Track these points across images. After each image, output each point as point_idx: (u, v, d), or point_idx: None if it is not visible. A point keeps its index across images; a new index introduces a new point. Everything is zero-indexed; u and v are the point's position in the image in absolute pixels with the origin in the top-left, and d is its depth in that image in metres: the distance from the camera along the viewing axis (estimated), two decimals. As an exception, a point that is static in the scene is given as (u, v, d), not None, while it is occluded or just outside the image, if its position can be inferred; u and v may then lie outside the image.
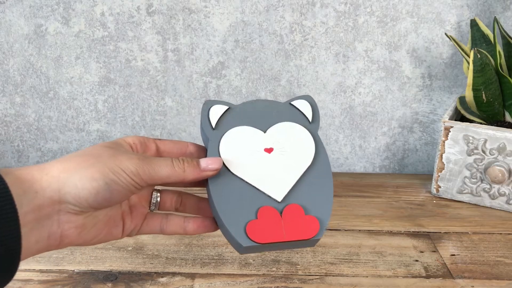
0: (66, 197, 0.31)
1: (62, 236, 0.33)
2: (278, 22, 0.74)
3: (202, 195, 0.43)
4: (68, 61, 0.77)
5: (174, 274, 0.52)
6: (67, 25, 0.75)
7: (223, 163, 0.39)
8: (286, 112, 0.43)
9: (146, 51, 0.76)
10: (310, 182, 0.39)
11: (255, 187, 0.38)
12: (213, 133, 0.40)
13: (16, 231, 0.28)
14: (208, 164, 0.37)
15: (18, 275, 0.52)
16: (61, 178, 0.32)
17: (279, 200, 0.38)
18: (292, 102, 0.43)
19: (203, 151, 0.42)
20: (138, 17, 0.74)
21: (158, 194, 0.41)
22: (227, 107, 0.42)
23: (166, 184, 0.38)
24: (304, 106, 0.43)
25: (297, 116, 0.43)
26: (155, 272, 0.53)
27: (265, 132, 0.41)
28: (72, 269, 0.53)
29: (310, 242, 0.37)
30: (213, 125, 0.41)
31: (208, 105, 0.42)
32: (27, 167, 0.32)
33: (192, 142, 0.42)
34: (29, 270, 0.53)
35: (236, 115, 0.42)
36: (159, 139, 0.40)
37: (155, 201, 0.41)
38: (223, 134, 0.40)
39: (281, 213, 0.37)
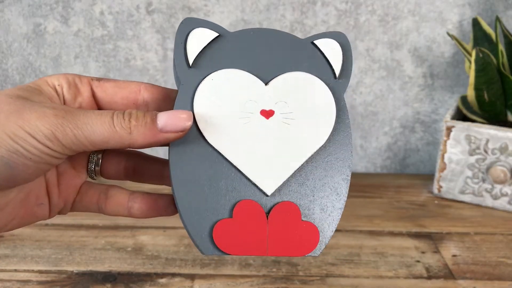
0: None
1: None
2: (278, 21, 0.74)
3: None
4: (67, 60, 0.77)
5: (173, 275, 0.52)
6: (66, 24, 0.75)
7: (196, 124, 0.26)
8: (304, 55, 0.29)
9: (145, 50, 0.76)
10: (318, 170, 0.27)
11: (237, 169, 0.26)
12: (188, 73, 0.27)
13: None
14: (169, 122, 0.24)
15: (17, 275, 0.51)
16: None
17: (269, 193, 0.26)
18: (315, 41, 0.30)
19: (165, 100, 0.28)
20: (138, 16, 0.74)
21: (99, 156, 0.29)
22: (216, 34, 0.28)
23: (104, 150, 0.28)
24: (331, 50, 0.29)
25: (319, 65, 0.29)
26: (155, 273, 0.52)
27: (266, 83, 0.28)
28: (71, 269, 0.52)
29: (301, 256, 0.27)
30: (190, 61, 0.27)
31: (187, 26, 0.27)
32: None
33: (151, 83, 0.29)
34: (27, 271, 0.52)
35: (227, 50, 0.28)
36: (98, 79, 0.27)
37: (93, 166, 0.29)
38: (204, 78, 0.27)
39: (268, 213, 0.26)
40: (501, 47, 0.65)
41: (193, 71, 0.27)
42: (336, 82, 0.29)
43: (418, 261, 0.55)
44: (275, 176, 0.26)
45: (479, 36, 0.67)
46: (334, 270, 0.53)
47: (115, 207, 0.29)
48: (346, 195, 0.28)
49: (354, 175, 0.79)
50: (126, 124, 0.24)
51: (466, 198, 0.68)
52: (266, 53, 0.28)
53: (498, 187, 0.65)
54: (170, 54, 0.76)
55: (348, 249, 0.57)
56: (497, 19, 0.65)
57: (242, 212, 0.26)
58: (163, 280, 0.51)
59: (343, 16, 0.73)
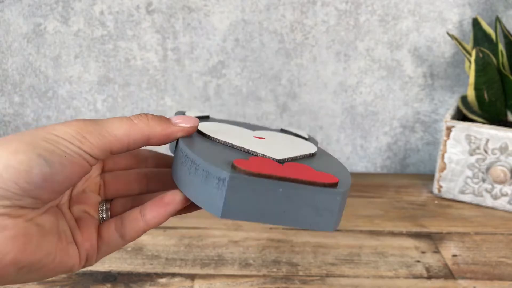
0: None
1: None
2: (278, 21, 0.74)
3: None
4: (67, 60, 0.77)
5: (173, 275, 0.52)
6: (66, 24, 0.75)
7: (201, 132, 0.31)
8: (276, 131, 0.37)
9: (145, 50, 0.76)
10: (316, 161, 0.31)
11: (247, 150, 0.30)
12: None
13: None
14: (180, 119, 0.29)
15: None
16: None
17: (279, 158, 0.29)
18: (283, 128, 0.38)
19: (163, 161, 0.34)
20: (138, 16, 0.74)
21: (108, 206, 0.32)
22: (206, 115, 0.36)
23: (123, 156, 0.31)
24: (298, 131, 0.37)
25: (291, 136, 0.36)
26: (155, 273, 0.52)
27: (254, 131, 0.35)
28: (71, 270, 0.52)
29: (327, 199, 0.26)
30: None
31: (181, 112, 0.35)
32: None
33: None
34: (27, 271, 0.52)
35: (216, 120, 0.35)
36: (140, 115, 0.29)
37: (103, 214, 0.31)
38: (200, 122, 0.33)
39: (282, 164, 0.28)
40: (501, 47, 0.65)
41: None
42: (307, 141, 0.36)
43: (418, 261, 0.55)
44: (281, 153, 0.30)
45: (479, 36, 0.67)
46: (334, 270, 0.53)
47: (133, 226, 0.29)
48: (350, 182, 0.29)
49: (354, 175, 0.79)
50: (143, 117, 0.27)
51: (466, 198, 0.68)
52: (247, 125, 0.36)
53: (498, 187, 0.65)
54: (170, 54, 0.76)
55: (348, 249, 0.57)
56: (497, 19, 0.65)
57: (256, 160, 0.27)
58: (163, 280, 0.51)
59: (343, 16, 0.73)
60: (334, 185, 0.26)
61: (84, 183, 0.31)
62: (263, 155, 0.29)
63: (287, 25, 0.74)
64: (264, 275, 0.52)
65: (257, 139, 0.32)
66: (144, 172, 0.34)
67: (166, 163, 0.35)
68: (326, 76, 0.77)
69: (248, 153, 0.29)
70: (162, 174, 0.34)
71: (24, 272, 0.23)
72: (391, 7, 0.73)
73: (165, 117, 0.28)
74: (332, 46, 0.75)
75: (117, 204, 0.32)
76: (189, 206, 0.30)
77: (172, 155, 0.32)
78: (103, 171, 0.33)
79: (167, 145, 0.32)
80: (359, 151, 0.82)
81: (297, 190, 0.25)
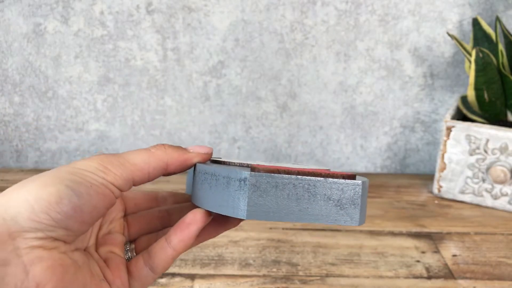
0: (17, 221, 0.22)
1: (38, 284, 0.23)
2: (278, 21, 0.74)
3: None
4: (67, 60, 0.77)
5: (173, 275, 0.52)
6: (66, 24, 0.75)
7: (215, 160, 0.32)
8: None
9: (145, 50, 0.76)
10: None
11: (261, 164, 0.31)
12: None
13: None
14: (196, 147, 0.30)
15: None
16: (1, 202, 0.23)
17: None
18: None
19: (183, 198, 0.35)
20: (138, 16, 0.74)
21: (133, 247, 0.32)
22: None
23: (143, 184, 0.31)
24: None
25: None
26: (155, 273, 0.52)
27: None
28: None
29: (350, 192, 0.25)
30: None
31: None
32: None
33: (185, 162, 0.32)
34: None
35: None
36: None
37: (129, 254, 0.32)
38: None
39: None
40: (501, 47, 0.65)
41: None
42: None
43: (418, 261, 0.55)
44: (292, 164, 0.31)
45: (479, 36, 0.67)
46: (334, 270, 0.53)
47: (161, 255, 0.30)
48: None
49: (354, 175, 0.79)
50: (161, 146, 0.28)
51: (466, 198, 0.68)
52: None
53: (498, 187, 0.65)
54: (170, 54, 0.76)
55: (348, 249, 0.57)
56: (497, 19, 0.65)
57: (273, 165, 0.28)
58: (163, 280, 0.51)
59: (343, 16, 0.73)
60: (352, 176, 0.26)
61: (108, 225, 0.32)
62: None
63: (287, 25, 0.74)
64: (264, 275, 0.52)
65: None
66: (166, 209, 0.34)
67: (186, 199, 0.36)
68: (326, 76, 0.77)
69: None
70: (183, 208, 0.34)
71: None
72: (391, 7, 0.73)
73: (182, 147, 0.30)
74: (332, 46, 0.75)
75: (141, 241, 0.33)
76: (215, 228, 0.31)
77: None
78: (125, 214, 0.34)
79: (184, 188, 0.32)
80: (359, 151, 0.82)
81: (317, 182, 0.25)
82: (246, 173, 0.26)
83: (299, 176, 0.25)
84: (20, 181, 0.24)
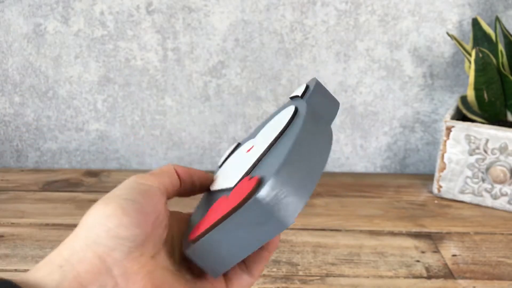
0: (100, 242, 0.24)
1: None
2: (278, 21, 0.74)
3: None
4: (67, 60, 0.77)
5: (173, 274, 0.52)
6: (66, 24, 0.75)
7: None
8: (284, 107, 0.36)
9: (145, 50, 0.76)
10: (267, 159, 0.29)
11: (219, 190, 0.32)
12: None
13: None
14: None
15: (17, 275, 0.51)
16: (77, 236, 0.25)
17: (232, 185, 0.29)
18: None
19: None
20: (138, 16, 0.74)
21: None
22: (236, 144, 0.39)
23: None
24: (298, 90, 0.35)
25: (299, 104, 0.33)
26: (155, 273, 0.52)
27: (255, 137, 0.36)
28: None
29: (257, 210, 0.24)
30: (219, 164, 0.38)
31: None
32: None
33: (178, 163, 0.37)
34: (28, 271, 0.52)
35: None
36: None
37: None
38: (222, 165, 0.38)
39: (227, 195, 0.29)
40: (501, 47, 0.65)
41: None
42: (300, 101, 0.33)
43: (418, 261, 0.55)
44: (236, 176, 0.30)
45: (479, 36, 0.67)
46: (334, 269, 0.53)
47: (254, 257, 0.31)
48: (286, 153, 0.26)
49: (354, 175, 0.79)
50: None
51: (466, 198, 0.68)
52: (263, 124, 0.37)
53: (497, 187, 0.65)
54: (170, 54, 0.76)
55: (348, 249, 0.57)
56: (497, 19, 0.65)
57: (211, 209, 0.29)
58: (163, 280, 0.51)
59: (343, 16, 0.73)
60: (248, 196, 0.24)
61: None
62: (222, 189, 0.31)
63: (287, 25, 0.74)
64: (264, 275, 0.52)
65: (245, 153, 0.33)
66: None
67: None
68: (326, 76, 0.77)
69: (220, 191, 0.31)
70: None
71: None
72: (391, 7, 0.73)
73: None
74: (332, 46, 0.75)
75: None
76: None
77: None
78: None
79: None
80: (359, 151, 0.82)
81: (230, 225, 0.25)
82: (187, 252, 0.28)
83: (215, 230, 0.26)
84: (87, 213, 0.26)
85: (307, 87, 0.34)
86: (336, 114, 0.33)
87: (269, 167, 0.26)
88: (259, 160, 0.29)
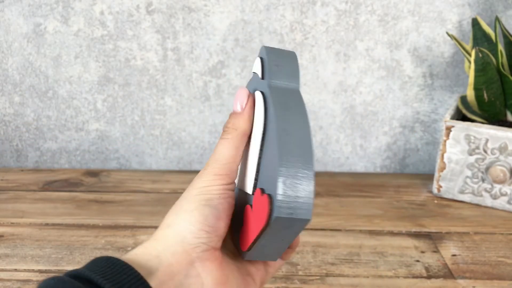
0: (187, 241, 0.30)
1: None
2: (278, 21, 0.74)
3: None
4: (67, 60, 0.77)
5: (173, 274, 0.52)
6: (66, 24, 0.75)
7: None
8: (253, 81, 0.36)
9: (145, 50, 0.76)
10: (265, 158, 0.32)
11: (242, 190, 0.35)
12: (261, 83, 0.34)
13: None
14: (240, 102, 0.34)
15: (17, 275, 0.51)
16: (168, 233, 0.31)
17: (251, 192, 0.33)
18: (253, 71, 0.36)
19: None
20: (138, 16, 0.74)
21: None
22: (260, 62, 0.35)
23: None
24: (257, 64, 0.35)
25: (258, 80, 0.34)
26: (155, 273, 0.52)
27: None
28: (71, 269, 0.52)
29: (278, 224, 0.29)
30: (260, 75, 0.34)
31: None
32: (137, 247, 0.30)
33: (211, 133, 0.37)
34: (28, 271, 0.52)
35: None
36: None
37: None
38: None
39: (251, 205, 0.32)
40: (501, 47, 0.65)
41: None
42: (262, 82, 0.34)
43: (417, 261, 0.55)
44: (249, 180, 0.34)
45: (479, 36, 0.67)
46: (334, 269, 0.53)
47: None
48: (278, 162, 0.30)
49: (354, 175, 0.79)
50: (229, 130, 0.33)
51: (466, 197, 0.68)
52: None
53: (497, 186, 0.66)
54: (170, 54, 0.76)
55: (348, 249, 0.57)
56: (497, 19, 0.65)
57: (245, 216, 0.33)
58: (163, 280, 0.51)
59: (342, 16, 0.73)
60: (268, 219, 0.29)
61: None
62: (247, 193, 0.34)
63: (287, 25, 0.74)
64: (264, 275, 0.52)
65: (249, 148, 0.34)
66: None
67: None
68: (326, 76, 0.77)
69: (244, 192, 0.34)
70: None
71: None
72: (391, 7, 0.73)
73: (234, 112, 0.34)
74: (332, 46, 0.75)
75: None
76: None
77: None
78: None
79: None
80: (358, 151, 0.82)
81: (267, 238, 0.31)
82: (246, 258, 0.34)
83: (257, 243, 0.31)
84: (170, 212, 0.32)
85: (262, 62, 0.34)
86: (297, 66, 0.34)
87: (270, 179, 0.30)
88: (257, 170, 0.33)
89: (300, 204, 0.28)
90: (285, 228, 0.30)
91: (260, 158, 0.32)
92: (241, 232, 0.33)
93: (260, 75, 0.34)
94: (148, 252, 0.29)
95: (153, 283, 0.27)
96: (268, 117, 0.32)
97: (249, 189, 0.34)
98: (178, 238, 0.30)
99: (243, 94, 0.33)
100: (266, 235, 0.30)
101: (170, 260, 0.29)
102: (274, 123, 0.30)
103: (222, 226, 0.31)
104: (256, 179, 0.33)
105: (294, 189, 0.28)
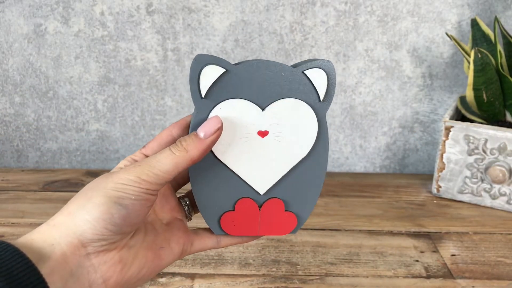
0: (85, 236, 0.29)
1: (104, 280, 0.30)
2: (278, 21, 0.74)
3: None
4: (68, 60, 0.77)
5: (173, 274, 0.52)
6: (67, 25, 0.75)
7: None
8: (295, 83, 0.34)
9: (145, 51, 0.76)
10: (300, 175, 0.35)
11: (238, 176, 0.35)
12: (201, 103, 0.33)
13: None
14: (206, 129, 0.32)
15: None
16: (69, 222, 0.30)
17: (262, 192, 0.35)
18: (305, 71, 0.34)
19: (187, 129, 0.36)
20: (138, 17, 0.74)
21: (186, 199, 0.38)
22: (223, 70, 0.33)
23: (182, 177, 0.37)
24: (318, 78, 0.34)
25: (307, 90, 0.34)
26: (155, 273, 0.53)
27: (263, 109, 0.34)
28: None
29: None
30: (203, 94, 0.33)
31: (199, 63, 0.33)
32: (33, 230, 0.30)
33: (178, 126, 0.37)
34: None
35: (232, 82, 0.34)
36: (143, 147, 0.36)
37: (186, 209, 0.38)
38: (213, 107, 0.34)
39: (260, 206, 0.35)
40: (500, 47, 0.65)
41: (205, 102, 0.33)
42: (320, 104, 0.35)
43: (417, 261, 0.55)
44: (266, 181, 0.35)
45: (478, 36, 0.68)
46: (333, 269, 0.53)
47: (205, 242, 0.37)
48: (320, 190, 0.36)
49: (353, 175, 0.79)
50: (181, 147, 0.32)
51: (465, 197, 0.68)
52: (264, 83, 0.34)
53: (496, 187, 0.66)
54: (170, 55, 0.76)
55: (348, 249, 0.57)
56: (496, 19, 0.65)
57: (241, 207, 0.35)
58: (163, 280, 0.51)
59: (342, 16, 0.74)
60: (290, 232, 0.36)
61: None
62: (251, 187, 0.35)
63: (287, 26, 0.74)
64: (263, 275, 0.52)
65: (259, 138, 0.34)
66: None
67: None
68: (326, 77, 0.77)
69: (242, 181, 0.35)
70: None
71: (129, 285, 0.32)
72: (390, 8, 0.73)
73: (195, 135, 0.33)
74: (332, 46, 0.75)
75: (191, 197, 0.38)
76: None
77: None
78: None
79: None
80: (358, 151, 0.82)
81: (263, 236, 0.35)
82: (214, 231, 0.37)
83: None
84: (75, 198, 0.31)
85: (328, 80, 0.35)
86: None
87: (300, 200, 0.35)
88: (284, 176, 0.35)
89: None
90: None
91: (294, 168, 0.35)
92: (230, 217, 0.35)
93: (321, 91, 0.35)
94: (44, 238, 0.29)
95: (43, 271, 0.27)
96: (320, 140, 0.35)
97: (259, 186, 0.35)
98: (77, 230, 0.29)
99: (214, 124, 0.33)
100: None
101: (64, 250, 0.29)
102: (323, 163, 0.36)
103: (128, 226, 0.31)
104: (276, 184, 0.35)
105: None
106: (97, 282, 0.30)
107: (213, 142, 0.33)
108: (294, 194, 0.35)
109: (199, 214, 0.37)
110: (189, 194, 0.38)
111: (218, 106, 0.33)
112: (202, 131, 0.32)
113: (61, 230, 0.29)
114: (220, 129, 0.33)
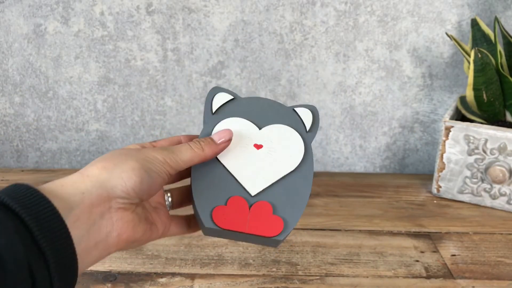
0: (114, 191, 0.33)
1: (118, 234, 0.34)
2: (278, 21, 0.74)
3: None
4: (68, 60, 0.77)
5: (173, 274, 0.52)
6: (67, 25, 0.75)
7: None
8: (287, 116, 0.43)
9: (145, 51, 0.76)
10: (288, 185, 0.40)
11: (234, 177, 0.40)
12: (211, 118, 0.42)
13: (69, 247, 0.29)
14: (220, 137, 0.40)
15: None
16: (103, 175, 0.33)
17: (253, 194, 0.39)
18: (295, 108, 0.44)
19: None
20: (138, 17, 0.74)
21: (169, 195, 0.42)
22: (231, 97, 0.43)
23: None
24: (305, 115, 0.43)
25: (296, 123, 0.43)
26: (155, 273, 0.52)
27: (260, 128, 0.42)
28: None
29: (271, 241, 0.38)
30: (213, 110, 0.43)
31: (214, 91, 0.43)
32: (65, 177, 0.32)
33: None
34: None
35: (237, 106, 0.43)
36: (154, 141, 0.42)
37: (168, 202, 0.42)
38: (220, 121, 0.42)
39: (250, 206, 0.39)
40: (500, 47, 0.65)
41: (214, 116, 0.42)
42: (306, 134, 0.43)
43: (417, 261, 0.55)
44: (258, 184, 0.40)
45: (478, 36, 0.68)
46: (333, 269, 0.53)
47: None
48: (307, 201, 0.40)
49: (354, 175, 0.79)
50: (199, 146, 0.39)
51: (465, 198, 0.68)
52: (262, 111, 0.43)
53: (496, 187, 0.66)
54: (170, 55, 0.76)
55: (348, 249, 0.57)
56: (496, 19, 0.65)
57: (233, 203, 0.39)
58: (163, 280, 0.51)
59: (342, 16, 0.74)
60: (276, 235, 0.38)
61: None
62: (244, 188, 0.40)
63: (287, 26, 0.74)
64: (263, 275, 0.52)
65: (254, 150, 0.41)
66: None
67: None
68: (326, 77, 0.77)
69: (236, 181, 0.40)
70: None
71: (131, 244, 0.36)
72: (390, 8, 0.73)
73: (211, 139, 0.40)
74: (332, 46, 0.75)
75: (175, 192, 0.43)
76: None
77: None
78: None
79: None
80: (358, 151, 0.82)
81: (252, 238, 0.39)
82: (204, 222, 0.38)
83: (245, 235, 0.38)
84: (109, 157, 0.35)
85: (313, 118, 0.43)
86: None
87: (288, 205, 0.39)
88: (275, 182, 0.40)
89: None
90: (265, 242, 0.39)
91: (283, 178, 0.40)
92: (222, 211, 0.39)
93: (308, 124, 0.43)
94: (76, 186, 0.32)
95: (69, 219, 0.29)
96: (307, 162, 0.41)
97: (251, 187, 0.39)
98: (108, 185, 0.33)
99: (227, 134, 0.40)
100: (251, 239, 0.38)
101: (93, 201, 0.31)
102: (310, 178, 0.41)
103: (147, 194, 0.35)
104: (267, 188, 0.39)
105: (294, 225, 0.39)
106: (113, 235, 0.33)
107: (224, 148, 0.40)
108: (282, 201, 0.39)
109: (177, 210, 0.42)
110: (172, 191, 0.43)
111: (224, 120, 0.42)
112: (217, 137, 0.40)
113: (94, 182, 0.32)
114: (231, 139, 0.40)
